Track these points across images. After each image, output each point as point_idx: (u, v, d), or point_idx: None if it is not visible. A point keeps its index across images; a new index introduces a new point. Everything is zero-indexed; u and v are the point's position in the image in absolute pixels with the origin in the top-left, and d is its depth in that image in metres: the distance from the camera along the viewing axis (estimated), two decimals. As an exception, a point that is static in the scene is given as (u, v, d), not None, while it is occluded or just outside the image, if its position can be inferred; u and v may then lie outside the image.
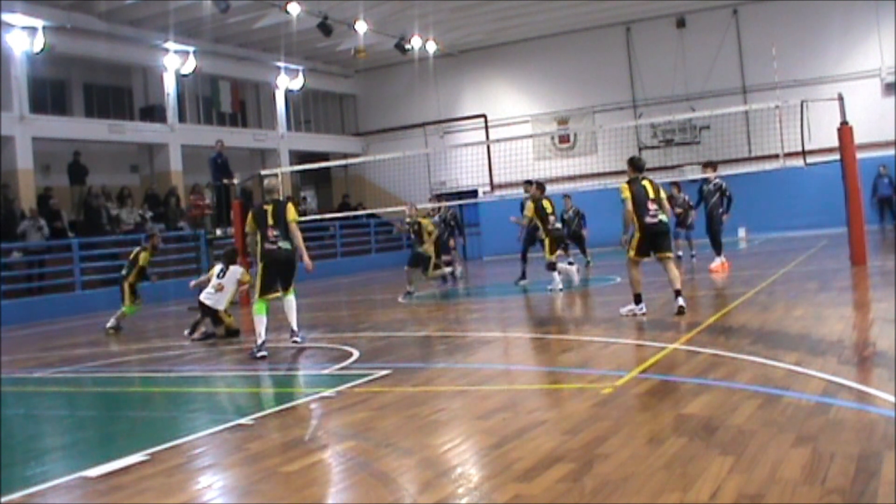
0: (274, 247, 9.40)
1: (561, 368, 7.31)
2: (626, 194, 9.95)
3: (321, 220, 26.08)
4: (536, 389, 6.41)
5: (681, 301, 9.74)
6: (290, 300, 9.76)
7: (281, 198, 10.12)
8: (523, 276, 15.76)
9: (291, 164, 27.19)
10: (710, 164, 16.97)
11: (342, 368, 7.89)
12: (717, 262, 15.31)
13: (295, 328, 9.80)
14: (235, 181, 18.71)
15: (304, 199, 30.72)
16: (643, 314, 9.83)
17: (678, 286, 9.86)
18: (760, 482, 3.71)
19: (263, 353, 9.18)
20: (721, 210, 15.87)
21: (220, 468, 4.88)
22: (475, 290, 16.47)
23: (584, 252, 18.89)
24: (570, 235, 18.48)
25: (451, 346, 9.24)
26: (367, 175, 30.71)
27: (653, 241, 9.95)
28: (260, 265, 9.52)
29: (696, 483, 3.77)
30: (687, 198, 18.58)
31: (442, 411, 5.81)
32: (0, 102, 20.37)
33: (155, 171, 25.12)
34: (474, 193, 27.83)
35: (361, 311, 13.82)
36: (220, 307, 11.38)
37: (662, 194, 10.14)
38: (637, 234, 9.92)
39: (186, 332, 11.67)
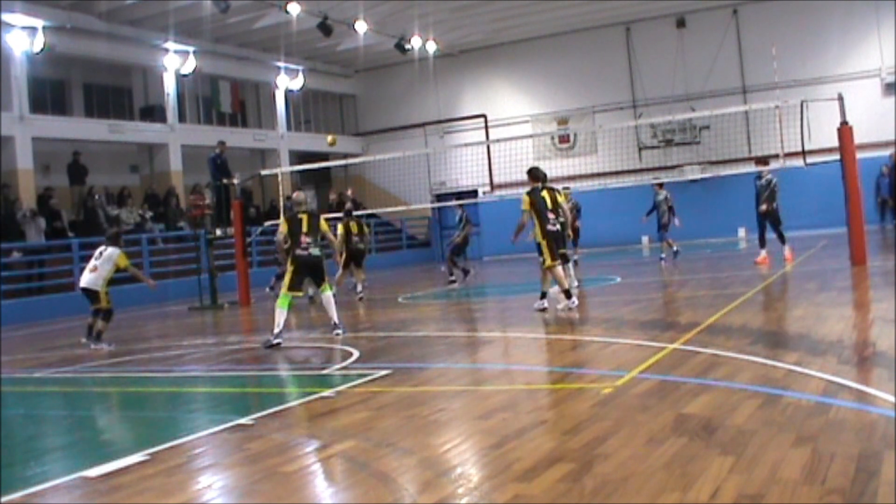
0: (305, 253, 10.20)
1: (561, 368, 7.31)
2: (526, 206, 11.09)
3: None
4: (536, 389, 6.41)
5: (545, 304, 11.05)
6: (328, 296, 10.54)
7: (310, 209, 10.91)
8: (453, 276, 16.93)
9: (291, 164, 27.18)
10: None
11: (342, 368, 7.90)
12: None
13: (336, 321, 10.36)
14: (235, 181, 18.71)
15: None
16: (539, 309, 10.99)
17: (566, 286, 11.08)
18: (760, 482, 3.71)
19: (279, 340, 9.77)
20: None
21: (220, 468, 4.88)
22: (475, 290, 16.47)
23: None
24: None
25: (451, 346, 9.24)
26: (367, 175, 30.70)
27: (558, 245, 11.14)
28: (291, 267, 10.28)
29: (696, 483, 3.76)
30: (668, 196, 18.73)
31: (442, 411, 5.81)
32: (0, 102, 20.38)
33: (155, 171, 25.13)
34: (474, 193, 27.84)
35: (361, 311, 13.82)
36: (98, 287, 11.34)
37: (561, 199, 11.29)
38: (544, 242, 11.02)
39: (83, 339, 11.57)
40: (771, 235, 15.87)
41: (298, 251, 10.18)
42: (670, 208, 18.60)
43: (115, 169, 24.86)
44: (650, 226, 20.17)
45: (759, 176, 15.74)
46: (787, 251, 15.75)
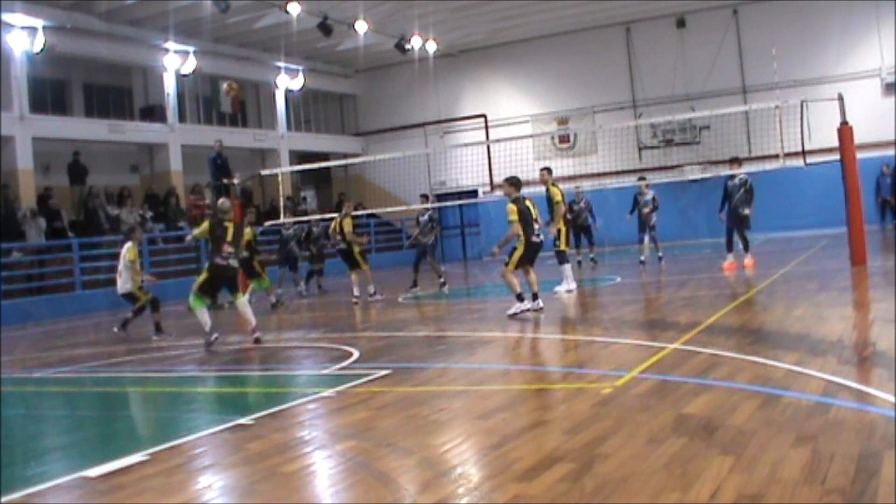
0: (224, 263, 10.29)
1: (561, 368, 7.31)
2: (514, 217, 10.70)
3: (321, 220, 26.08)
4: (536, 389, 6.41)
5: (540, 303, 10.96)
6: (243, 302, 10.57)
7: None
8: (415, 285, 15.90)
9: (291, 163, 27.18)
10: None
11: (342, 368, 7.89)
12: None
13: (254, 325, 10.34)
14: (235, 181, 18.72)
15: (304, 199, 30.72)
16: (532, 309, 10.77)
17: (536, 289, 10.97)
18: (760, 482, 3.71)
19: (214, 335, 10.15)
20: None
21: (220, 468, 4.88)
22: (475, 291, 16.47)
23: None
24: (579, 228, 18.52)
25: (451, 346, 9.24)
26: (367, 175, 30.71)
27: (531, 256, 10.99)
28: (206, 273, 10.47)
29: (696, 483, 3.77)
30: (656, 196, 18.16)
31: (442, 411, 5.81)
32: (0, 102, 20.38)
33: (155, 171, 25.13)
34: (474, 193, 27.85)
35: (361, 311, 13.82)
36: (130, 288, 12.05)
37: (535, 213, 11.03)
38: (519, 251, 10.80)
39: (116, 328, 12.36)
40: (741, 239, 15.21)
41: (218, 259, 10.25)
42: (656, 208, 17.95)
43: (115, 169, 24.86)
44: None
45: (731, 177, 15.23)
46: (747, 259, 15.08)
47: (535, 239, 10.84)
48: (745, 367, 6.37)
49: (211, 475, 4.73)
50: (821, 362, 6.25)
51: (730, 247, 15.25)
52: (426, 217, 16.45)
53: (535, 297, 10.95)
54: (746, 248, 15.23)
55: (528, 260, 10.99)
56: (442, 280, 16.16)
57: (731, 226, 15.14)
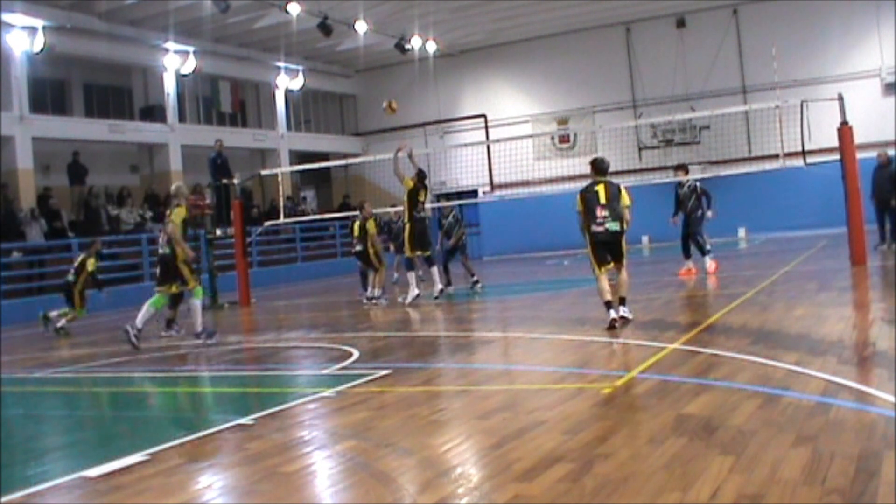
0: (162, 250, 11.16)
1: (561, 368, 7.31)
2: (579, 206, 9.32)
3: (321, 219, 26.14)
4: (536, 389, 6.40)
5: (623, 311, 9.14)
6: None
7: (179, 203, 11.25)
8: (448, 283, 15.36)
9: (291, 163, 27.19)
10: (683, 169, 16.33)
11: (342, 368, 7.89)
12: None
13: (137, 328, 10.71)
14: (235, 181, 18.73)
15: (304, 199, 30.73)
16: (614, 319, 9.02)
17: (623, 293, 9.28)
18: (760, 482, 3.71)
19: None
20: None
21: (220, 468, 4.88)
22: (475, 290, 16.44)
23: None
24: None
25: (451, 346, 9.25)
26: (367, 175, 30.70)
27: (601, 249, 9.26)
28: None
29: (696, 483, 3.77)
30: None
31: (442, 411, 5.81)
32: (0, 102, 20.38)
33: (155, 171, 25.14)
34: (474, 193, 27.84)
35: (361, 311, 13.82)
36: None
37: (626, 199, 9.31)
38: (588, 246, 9.36)
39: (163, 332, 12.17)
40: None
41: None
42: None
43: (115, 169, 24.86)
44: (650, 226, 20.10)
45: (679, 184, 14.90)
46: (708, 264, 14.54)
47: (595, 228, 9.17)
48: (745, 367, 6.37)
49: (211, 475, 4.73)
50: (821, 362, 6.25)
51: (686, 253, 14.97)
52: (451, 218, 16.35)
53: (621, 301, 9.24)
54: (703, 252, 14.68)
55: (602, 256, 9.26)
56: (475, 279, 15.75)
57: (686, 232, 14.83)
